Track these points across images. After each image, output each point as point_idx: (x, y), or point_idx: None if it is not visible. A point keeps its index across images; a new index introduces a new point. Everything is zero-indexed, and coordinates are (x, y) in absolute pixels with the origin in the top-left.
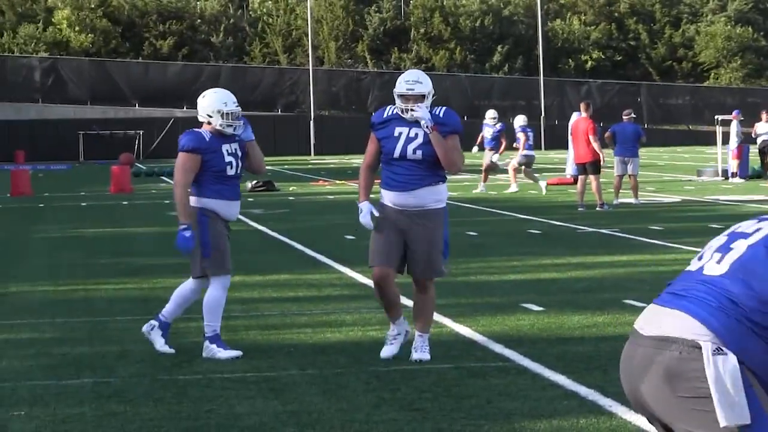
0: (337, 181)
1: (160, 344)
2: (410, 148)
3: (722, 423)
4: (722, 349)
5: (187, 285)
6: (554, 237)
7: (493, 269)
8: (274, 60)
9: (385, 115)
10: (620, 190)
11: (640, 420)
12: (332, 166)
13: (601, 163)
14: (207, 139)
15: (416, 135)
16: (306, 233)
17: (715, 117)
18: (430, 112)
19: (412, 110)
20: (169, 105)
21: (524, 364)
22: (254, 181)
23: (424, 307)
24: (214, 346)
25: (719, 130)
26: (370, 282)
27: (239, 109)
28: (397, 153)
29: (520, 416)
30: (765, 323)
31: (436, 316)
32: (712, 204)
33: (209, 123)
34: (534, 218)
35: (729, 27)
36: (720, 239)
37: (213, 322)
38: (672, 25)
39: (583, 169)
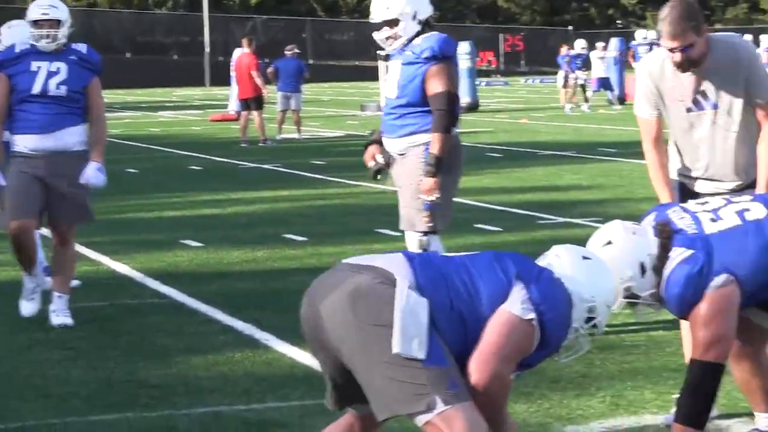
0: None
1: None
2: (52, 83)
3: (396, 349)
4: (417, 289)
5: None
6: (215, 173)
7: (152, 206)
8: None
9: (17, 50)
10: (283, 126)
11: (294, 352)
12: None
13: (264, 98)
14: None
15: (58, 69)
16: None
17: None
18: (69, 45)
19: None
20: None
21: (181, 299)
22: None
23: (65, 262)
24: None
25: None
26: None
27: None
28: (37, 89)
29: (175, 352)
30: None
31: (93, 254)
32: None
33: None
34: (195, 154)
35: None
36: None
37: None
38: None
39: (246, 104)
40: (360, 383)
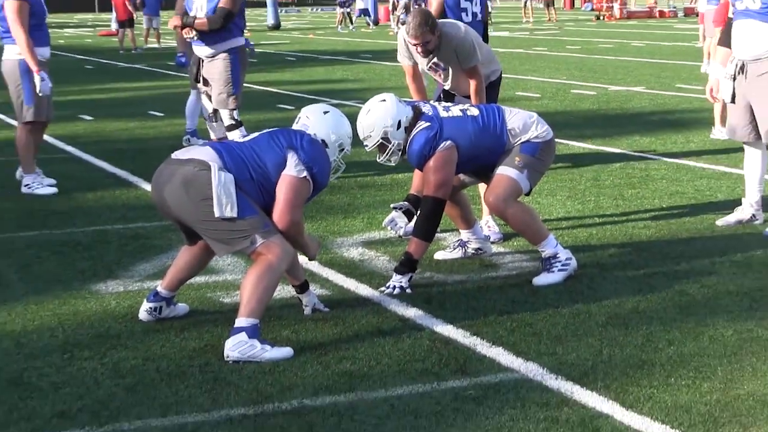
0: None
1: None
2: None
3: (216, 214)
4: (225, 169)
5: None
6: (102, 70)
7: (58, 92)
8: None
9: None
10: (148, 39)
11: None
12: None
13: (134, 20)
14: None
15: None
16: None
17: None
18: None
19: None
20: None
21: (78, 155)
22: None
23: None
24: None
25: None
26: None
27: None
28: None
29: (75, 189)
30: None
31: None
32: None
33: None
34: (89, 58)
35: None
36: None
37: None
38: None
39: (122, 24)
40: (203, 237)
